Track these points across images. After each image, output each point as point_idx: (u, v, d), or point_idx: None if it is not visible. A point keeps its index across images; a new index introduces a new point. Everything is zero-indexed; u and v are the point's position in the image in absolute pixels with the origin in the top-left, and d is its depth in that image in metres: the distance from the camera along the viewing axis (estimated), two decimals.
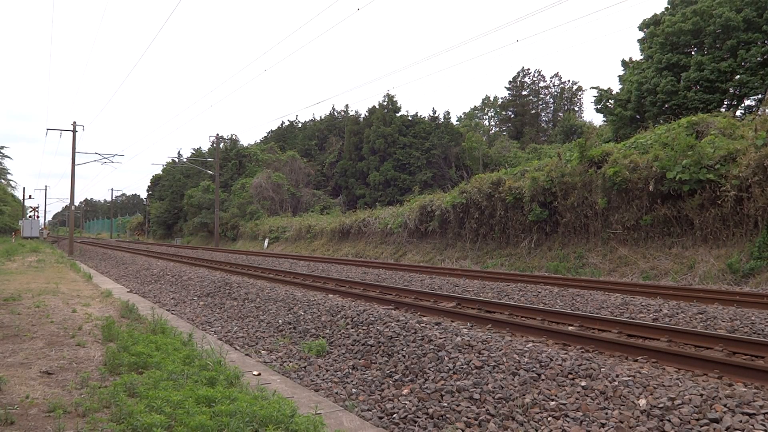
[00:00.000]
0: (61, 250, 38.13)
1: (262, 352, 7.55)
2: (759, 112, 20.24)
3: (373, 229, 28.60)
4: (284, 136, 66.14)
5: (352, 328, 7.81)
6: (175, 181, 68.68)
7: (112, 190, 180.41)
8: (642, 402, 4.55)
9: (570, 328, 7.61)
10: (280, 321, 9.20)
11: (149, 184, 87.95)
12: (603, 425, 4.39)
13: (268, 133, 70.57)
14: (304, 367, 6.75)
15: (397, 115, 48.70)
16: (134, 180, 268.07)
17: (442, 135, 47.55)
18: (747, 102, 27.63)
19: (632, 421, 4.34)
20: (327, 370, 6.63)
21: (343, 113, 63.20)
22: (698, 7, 26.83)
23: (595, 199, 17.06)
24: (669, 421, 4.25)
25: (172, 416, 3.83)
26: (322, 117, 64.11)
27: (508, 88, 71.71)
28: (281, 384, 5.41)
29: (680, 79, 26.84)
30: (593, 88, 33.37)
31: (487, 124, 73.92)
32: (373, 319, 7.88)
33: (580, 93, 70.13)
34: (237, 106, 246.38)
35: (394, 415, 5.06)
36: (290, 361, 7.02)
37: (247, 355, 7.10)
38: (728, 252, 13.68)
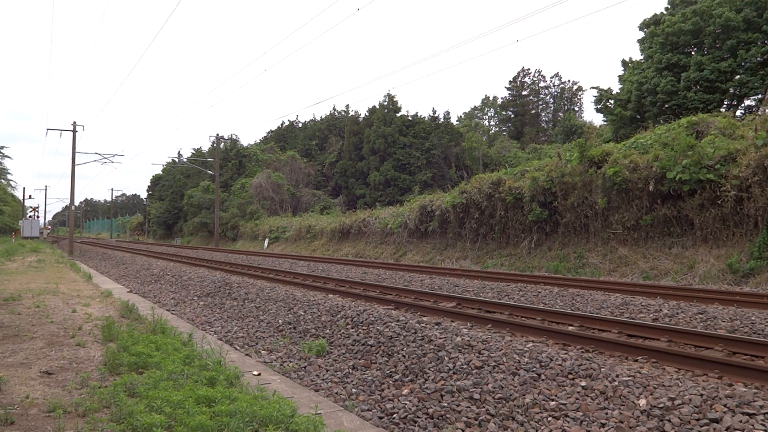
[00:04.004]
0: (61, 250, 38.13)
1: (262, 352, 7.55)
2: (759, 112, 20.24)
3: (373, 229, 28.60)
4: (284, 136, 66.17)
5: (352, 328, 7.81)
6: (175, 181, 68.69)
7: (112, 190, 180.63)
8: (642, 402, 4.55)
9: (570, 328, 7.61)
10: (280, 321, 9.20)
11: (149, 184, 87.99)
12: (603, 425, 4.39)
13: (268, 133, 70.64)
14: (304, 367, 6.75)
15: (398, 115, 48.69)
16: (134, 180, 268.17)
17: (442, 135, 47.55)
18: (747, 102, 27.68)
19: (632, 421, 4.34)
20: (327, 370, 6.63)
21: (343, 113, 63.21)
22: (698, 7, 26.84)
23: (595, 199, 17.05)
24: (669, 421, 4.25)
25: (172, 416, 3.83)
26: (323, 117, 64.12)
27: (508, 88, 71.79)
28: (281, 384, 5.41)
29: (680, 79, 26.85)
30: (593, 88, 33.43)
31: (487, 124, 73.96)
32: (373, 319, 7.88)
33: (580, 93, 70.19)
34: (237, 106, 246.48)
35: (394, 415, 5.06)
36: (290, 361, 7.02)
37: (247, 355, 7.10)
38: (728, 252, 13.67)
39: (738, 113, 26.40)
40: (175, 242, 59.49)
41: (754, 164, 13.56)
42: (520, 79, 70.69)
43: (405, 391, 5.58)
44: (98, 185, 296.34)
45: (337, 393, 5.72)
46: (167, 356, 5.56)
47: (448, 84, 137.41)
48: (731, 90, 25.87)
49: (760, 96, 25.79)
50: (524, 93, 70.78)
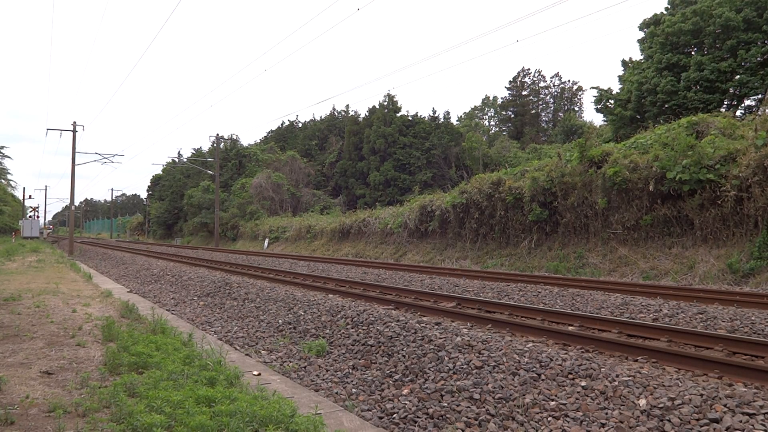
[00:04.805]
0: (61, 250, 38.13)
1: (262, 352, 7.55)
2: (759, 112, 20.24)
3: (373, 229, 28.60)
4: (284, 136, 66.17)
5: (352, 328, 7.81)
6: (175, 181, 68.67)
7: (112, 190, 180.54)
8: (642, 402, 4.55)
9: (570, 328, 7.61)
10: (280, 321, 9.20)
11: (149, 184, 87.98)
12: (603, 425, 4.39)
13: (269, 133, 70.66)
14: (304, 367, 6.75)
15: (398, 115, 48.69)
16: (134, 180, 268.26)
17: (442, 135, 47.56)
18: (747, 102, 27.67)
19: (632, 421, 4.34)
20: (327, 370, 6.63)
21: (343, 113, 63.22)
22: (698, 7, 26.83)
23: (595, 199, 17.05)
24: (669, 421, 4.25)
25: (172, 416, 3.83)
26: (323, 117, 64.15)
27: (508, 88, 71.78)
28: (281, 384, 5.41)
29: (680, 79, 26.84)
30: (593, 88, 33.42)
31: (487, 124, 73.95)
32: (373, 319, 7.88)
33: (580, 93, 70.18)
34: (237, 106, 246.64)
35: (394, 415, 5.06)
36: (290, 361, 7.02)
37: (247, 355, 7.10)
38: (728, 252, 13.67)
39: (738, 113, 26.39)
40: (175, 242, 59.49)
41: (754, 164, 13.56)
42: (520, 79, 70.69)
43: (405, 391, 5.58)
44: (98, 185, 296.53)
45: (337, 393, 5.72)
46: (167, 356, 5.56)
47: (448, 84, 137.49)
48: (731, 90, 25.86)
49: (760, 96, 25.79)
50: (524, 93, 70.77)
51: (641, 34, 30.71)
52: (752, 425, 4.06)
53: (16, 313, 8.75)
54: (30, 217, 74.54)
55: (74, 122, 37.32)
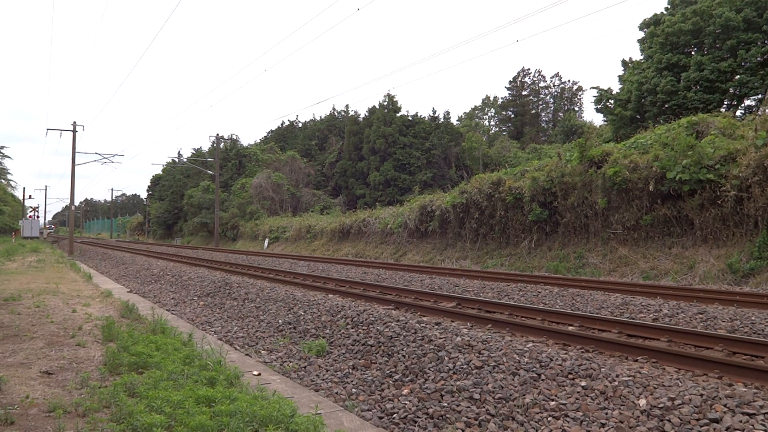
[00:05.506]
0: (61, 250, 38.12)
1: (262, 352, 7.55)
2: (759, 112, 20.24)
3: (373, 229, 28.60)
4: (284, 136, 66.18)
5: (352, 328, 7.81)
6: (175, 181, 68.68)
7: (112, 190, 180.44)
8: (642, 402, 4.55)
9: (570, 328, 7.61)
10: (280, 321, 9.20)
11: (149, 184, 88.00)
12: (603, 425, 4.39)
13: (268, 133, 70.69)
14: (304, 367, 6.75)
15: (398, 115, 48.70)
16: (134, 180, 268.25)
17: (442, 135, 47.56)
18: (747, 102, 27.65)
19: (632, 421, 4.34)
20: (327, 370, 6.63)
21: (343, 113, 63.24)
22: (698, 7, 26.83)
23: (595, 199, 17.05)
24: (669, 421, 4.25)
25: (172, 416, 3.83)
26: (322, 117, 64.17)
27: (508, 88, 71.79)
28: (281, 384, 5.41)
29: (680, 79, 26.84)
30: (593, 88, 33.42)
31: (487, 124, 73.96)
32: (373, 319, 7.88)
33: (580, 93, 70.19)
34: (237, 106, 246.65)
35: (394, 415, 5.06)
36: (290, 361, 7.02)
37: (247, 355, 7.10)
38: (728, 252, 13.67)
39: (738, 113, 26.39)
40: (175, 242, 59.48)
41: (754, 164, 13.56)
42: (520, 79, 70.69)
43: (405, 391, 5.58)
44: (98, 185, 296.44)
45: (337, 393, 5.72)
46: (167, 356, 5.56)
47: (448, 84, 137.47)
48: (731, 90, 25.85)
49: (760, 96, 25.78)
50: (524, 93, 70.78)
51: (641, 34, 30.73)
52: (752, 425, 4.06)
53: (16, 313, 8.75)
54: (30, 217, 74.50)
55: (74, 122, 37.32)
